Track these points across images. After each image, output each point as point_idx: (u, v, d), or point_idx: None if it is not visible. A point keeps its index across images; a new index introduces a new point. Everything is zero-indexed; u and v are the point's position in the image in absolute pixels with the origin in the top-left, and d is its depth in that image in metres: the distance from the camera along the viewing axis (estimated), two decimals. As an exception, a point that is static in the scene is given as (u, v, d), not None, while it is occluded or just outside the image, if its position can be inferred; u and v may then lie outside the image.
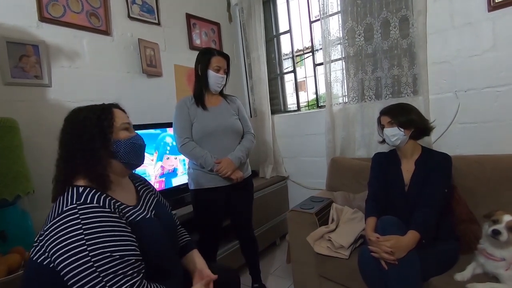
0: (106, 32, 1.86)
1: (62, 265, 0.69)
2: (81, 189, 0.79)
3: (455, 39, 1.69)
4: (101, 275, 0.69)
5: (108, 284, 0.70)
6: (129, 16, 1.99)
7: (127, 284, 0.72)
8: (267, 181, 2.50)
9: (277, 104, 2.79)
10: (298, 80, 2.64)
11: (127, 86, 1.97)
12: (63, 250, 0.69)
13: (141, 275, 0.77)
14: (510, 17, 1.52)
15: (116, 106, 0.95)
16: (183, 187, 1.93)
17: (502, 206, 1.33)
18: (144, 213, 0.91)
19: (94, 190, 0.80)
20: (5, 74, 1.45)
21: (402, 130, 1.37)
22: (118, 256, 0.72)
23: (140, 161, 0.96)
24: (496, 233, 1.08)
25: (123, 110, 0.96)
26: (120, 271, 0.72)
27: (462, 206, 1.43)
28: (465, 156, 1.56)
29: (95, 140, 0.83)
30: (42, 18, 1.58)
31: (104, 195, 0.81)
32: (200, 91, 1.63)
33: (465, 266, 1.18)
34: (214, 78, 1.60)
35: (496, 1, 1.54)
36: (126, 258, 0.74)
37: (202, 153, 1.55)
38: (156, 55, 2.12)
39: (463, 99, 1.71)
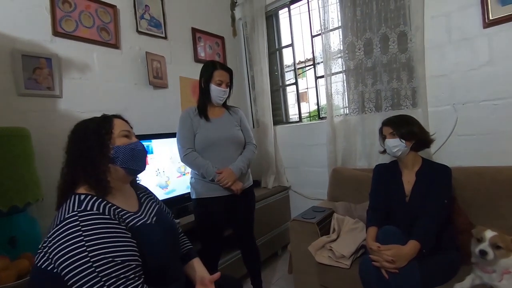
0: (116, 45, 1.94)
1: (65, 271, 0.71)
2: (82, 197, 0.81)
3: (453, 54, 1.75)
4: (103, 279, 0.71)
5: None
6: (137, 31, 2.07)
7: None
8: (269, 191, 2.53)
9: (279, 115, 2.85)
10: (300, 91, 2.70)
11: (134, 97, 2.03)
12: (65, 256, 0.71)
13: (142, 279, 0.79)
14: (504, 34, 1.58)
15: (118, 116, 0.98)
16: (186, 196, 1.96)
17: (501, 217, 1.36)
18: (145, 219, 0.93)
19: (94, 198, 0.82)
20: (19, 85, 1.51)
21: (404, 141, 1.40)
22: (119, 261, 0.74)
23: (140, 166, 0.97)
24: (483, 253, 1.09)
25: (126, 121, 0.99)
26: (122, 275, 0.74)
27: (463, 217, 1.45)
28: (464, 167, 1.59)
29: (94, 147, 0.87)
30: (56, 33, 1.66)
31: (105, 202, 0.83)
32: (203, 103, 1.69)
33: (465, 277, 1.20)
34: (216, 91, 1.65)
35: (491, 18, 1.60)
36: (127, 263, 0.75)
37: (203, 163, 1.59)
38: (162, 67, 2.19)
39: (461, 111, 1.75)
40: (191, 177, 1.71)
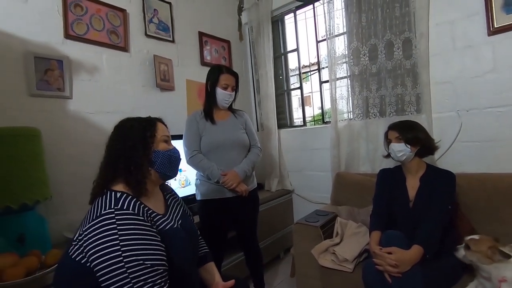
0: (124, 48, 1.97)
1: (97, 267, 0.73)
2: (118, 194, 0.83)
3: (457, 60, 1.76)
4: (133, 281, 0.72)
5: None
6: (146, 34, 2.11)
7: None
8: (272, 194, 2.54)
9: (284, 119, 2.86)
10: (304, 95, 2.72)
11: (141, 99, 2.06)
12: (99, 253, 0.73)
13: (167, 285, 0.80)
14: (509, 41, 1.59)
15: (160, 120, 1.02)
16: (190, 198, 1.98)
17: (502, 223, 1.36)
18: (172, 223, 0.95)
19: (130, 197, 0.84)
20: (31, 86, 1.55)
21: (409, 146, 1.41)
22: (149, 265, 0.75)
23: (174, 173, 1.00)
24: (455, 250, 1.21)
25: (165, 125, 1.03)
26: (150, 280, 0.75)
27: (466, 223, 1.45)
28: (467, 174, 1.59)
29: (138, 147, 0.89)
30: (67, 35, 1.70)
31: (139, 202, 0.85)
32: (209, 106, 1.71)
33: (468, 283, 1.21)
34: (222, 95, 1.68)
35: (496, 26, 1.62)
36: (156, 268, 0.77)
37: (209, 165, 1.61)
38: (170, 70, 2.23)
39: (465, 118, 1.76)
40: (196, 179, 1.73)
